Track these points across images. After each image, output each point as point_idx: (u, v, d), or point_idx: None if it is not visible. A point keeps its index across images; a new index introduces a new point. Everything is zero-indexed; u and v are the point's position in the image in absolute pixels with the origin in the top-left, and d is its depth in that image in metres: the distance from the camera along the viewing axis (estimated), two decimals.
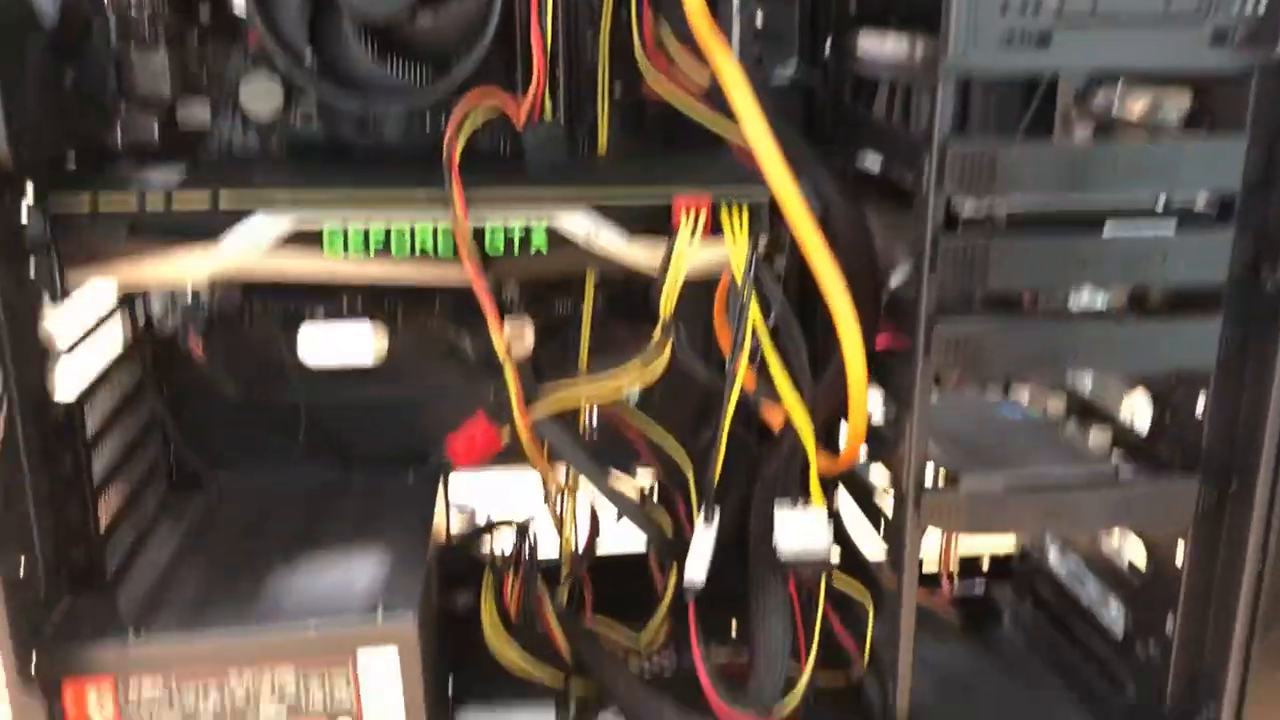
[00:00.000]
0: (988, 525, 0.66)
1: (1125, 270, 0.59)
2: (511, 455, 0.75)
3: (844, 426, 0.76)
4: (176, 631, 0.63)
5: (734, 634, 0.86)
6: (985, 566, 0.94)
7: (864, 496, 0.76)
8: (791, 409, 0.64)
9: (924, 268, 0.60)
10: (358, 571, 0.68)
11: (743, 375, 0.62)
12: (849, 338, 0.63)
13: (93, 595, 0.66)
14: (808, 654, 0.71)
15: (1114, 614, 0.78)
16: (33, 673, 0.60)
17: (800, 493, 0.70)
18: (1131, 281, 0.62)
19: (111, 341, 0.71)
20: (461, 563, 0.80)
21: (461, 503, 1.04)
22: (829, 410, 0.68)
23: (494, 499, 0.86)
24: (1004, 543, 0.94)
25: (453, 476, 0.86)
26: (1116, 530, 0.78)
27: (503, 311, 0.67)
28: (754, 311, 0.61)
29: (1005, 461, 0.69)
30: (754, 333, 0.62)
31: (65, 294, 0.62)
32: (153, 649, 0.62)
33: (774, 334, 0.64)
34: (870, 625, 0.74)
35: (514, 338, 0.69)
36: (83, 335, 0.66)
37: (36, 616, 0.62)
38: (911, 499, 0.65)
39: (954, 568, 0.88)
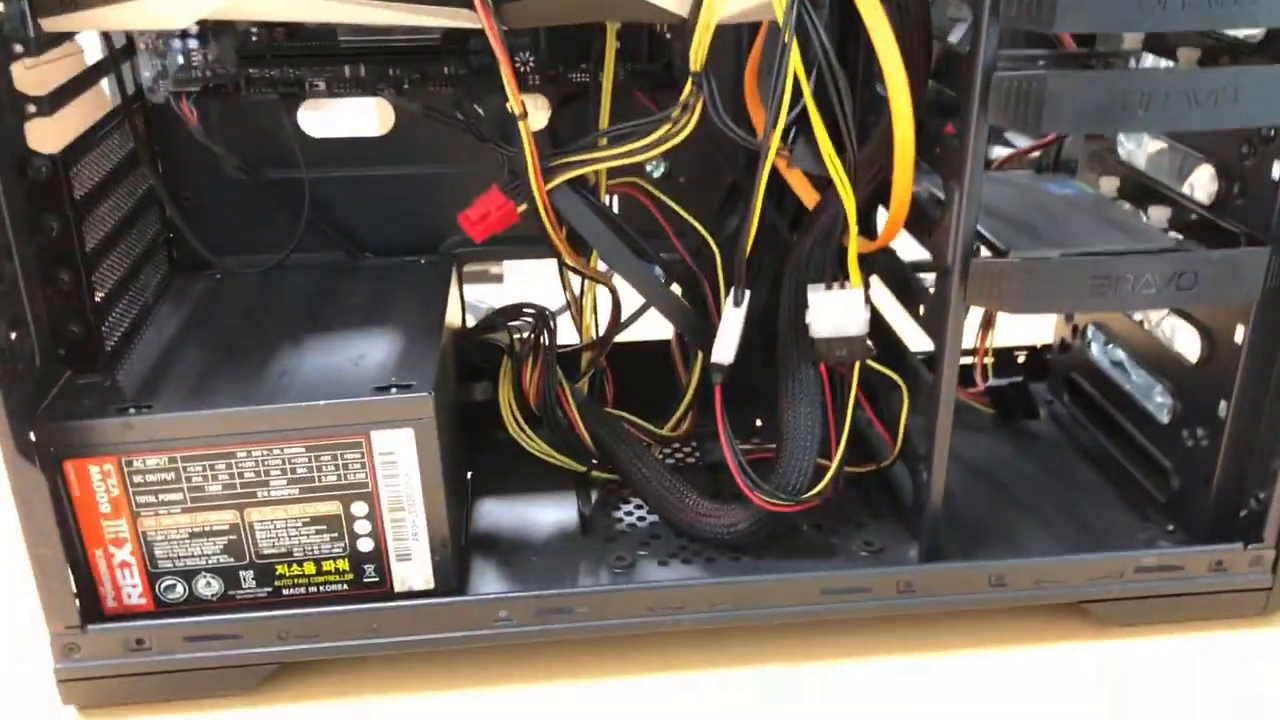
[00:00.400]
0: (1039, 301, 0.61)
1: (1213, 6, 0.53)
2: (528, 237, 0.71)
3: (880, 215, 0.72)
4: (180, 408, 0.60)
5: (757, 431, 0.83)
6: (1020, 360, 0.91)
7: (901, 283, 0.72)
8: (834, 172, 0.59)
9: (984, 3, 0.54)
10: (370, 351, 0.65)
11: (780, 132, 0.57)
12: (898, 95, 0.57)
13: (92, 372, 0.63)
14: (838, 440, 0.68)
15: (1160, 401, 0.74)
16: (31, 450, 0.58)
17: (835, 274, 0.65)
18: (1221, 21, 0.56)
19: (96, 101, 0.66)
20: (479, 351, 0.77)
21: (475, 300, 1.01)
22: (871, 178, 0.63)
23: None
24: (1040, 335, 0.90)
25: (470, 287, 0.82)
26: (1167, 318, 0.74)
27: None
28: (795, 59, 0.56)
29: (1057, 238, 0.65)
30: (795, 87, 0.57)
31: (40, 43, 0.57)
32: (156, 425, 0.60)
33: (816, 91, 0.59)
34: (904, 414, 0.70)
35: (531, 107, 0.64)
36: (63, 88, 0.60)
37: (32, 391, 0.59)
38: (958, 271, 0.60)
39: (988, 359, 0.84)
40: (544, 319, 0.75)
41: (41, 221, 0.59)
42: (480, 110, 0.70)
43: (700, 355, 0.75)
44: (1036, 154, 0.80)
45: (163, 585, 0.63)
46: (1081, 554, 0.68)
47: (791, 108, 0.58)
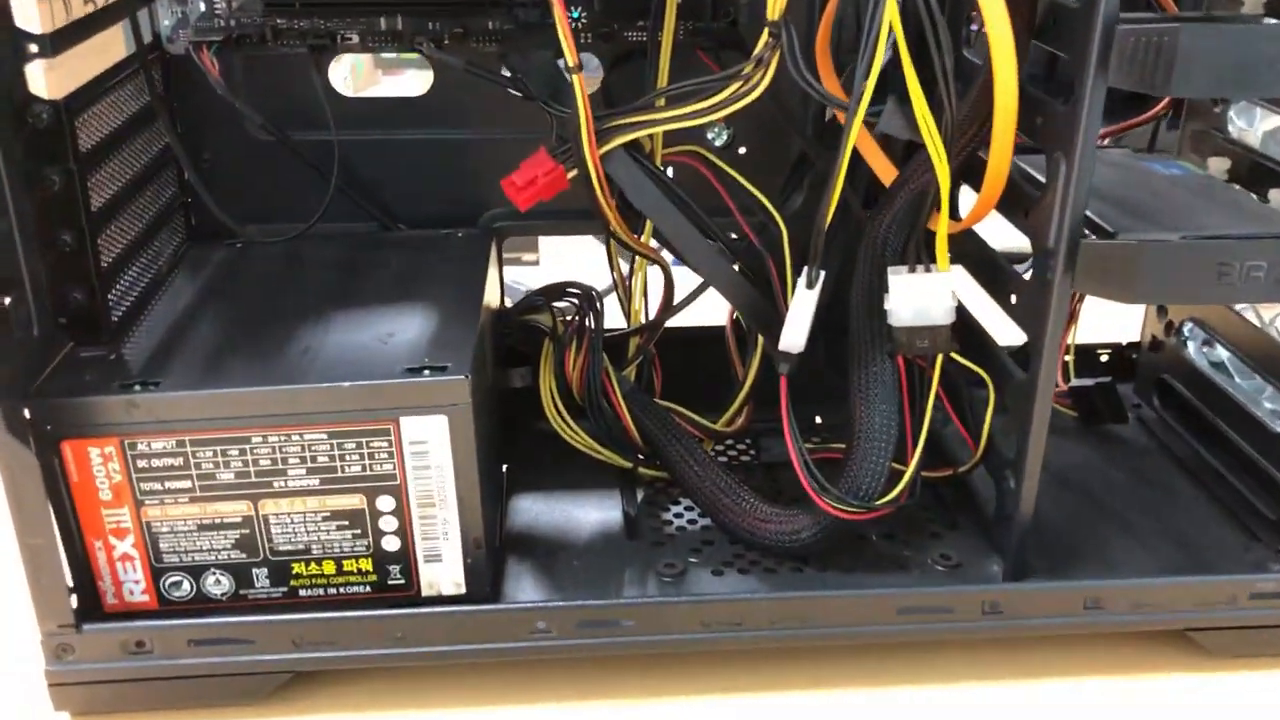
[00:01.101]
0: (1158, 290, 0.55)
1: None
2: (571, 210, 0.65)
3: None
4: (190, 386, 0.54)
5: (817, 429, 0.77)
6: (1103, 359, 0.84)
7: (988, 268, 0.65)
8: (928, 137, 0.52)
9: None
10: (401, 330, 0.59)
11: (872, 87, 0.51)
12: (1001, 49, 0.50)
13: (96, 345, 0.58)
14: (915, 441, 0.61)
15: (1271, 408, 0.67)
16: (25, 428, 0.52)
17: (919, 255, 0.59)
18: None
19: (109, 47, 0.60)
20: (518, 334, 0.71)
21: (512, 282, 0.94)
22: (962, 148, 0.56)
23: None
24: (1123, 332, 0.83)
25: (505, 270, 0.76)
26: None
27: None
28: (892, 6, 0.49)
29: (1169, 220, 0.58)
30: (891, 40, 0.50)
31: None
32: (163, 404, 0.54)
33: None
34: (989, 413, 0.64)
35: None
36: (69, 28, 0.54)
37: (28, 363, 0.53)
38: (1063, 254, 0.53)
39: (1068, 356, 0.77)
40: (590, 300, 0.69)
41: (41, 174, 0.53)
42: (529, 63, 0.64)
43: (760, 343, 0.69)
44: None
45: (168, 582, 0.57)
46: (1187, 576, 0.61)
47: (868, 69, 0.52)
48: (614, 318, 0.71)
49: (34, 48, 0.52)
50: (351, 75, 1.69)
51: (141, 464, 0.55)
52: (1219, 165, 0.68)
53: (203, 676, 0.57)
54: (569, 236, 0.75)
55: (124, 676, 0.57)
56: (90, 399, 0.53)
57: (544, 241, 1.14)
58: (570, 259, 1.05)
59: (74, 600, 0.56)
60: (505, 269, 0.76)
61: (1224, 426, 0.71)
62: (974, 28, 0.65)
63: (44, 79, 0.52)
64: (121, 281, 0.61)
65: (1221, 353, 0.73)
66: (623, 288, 0.72)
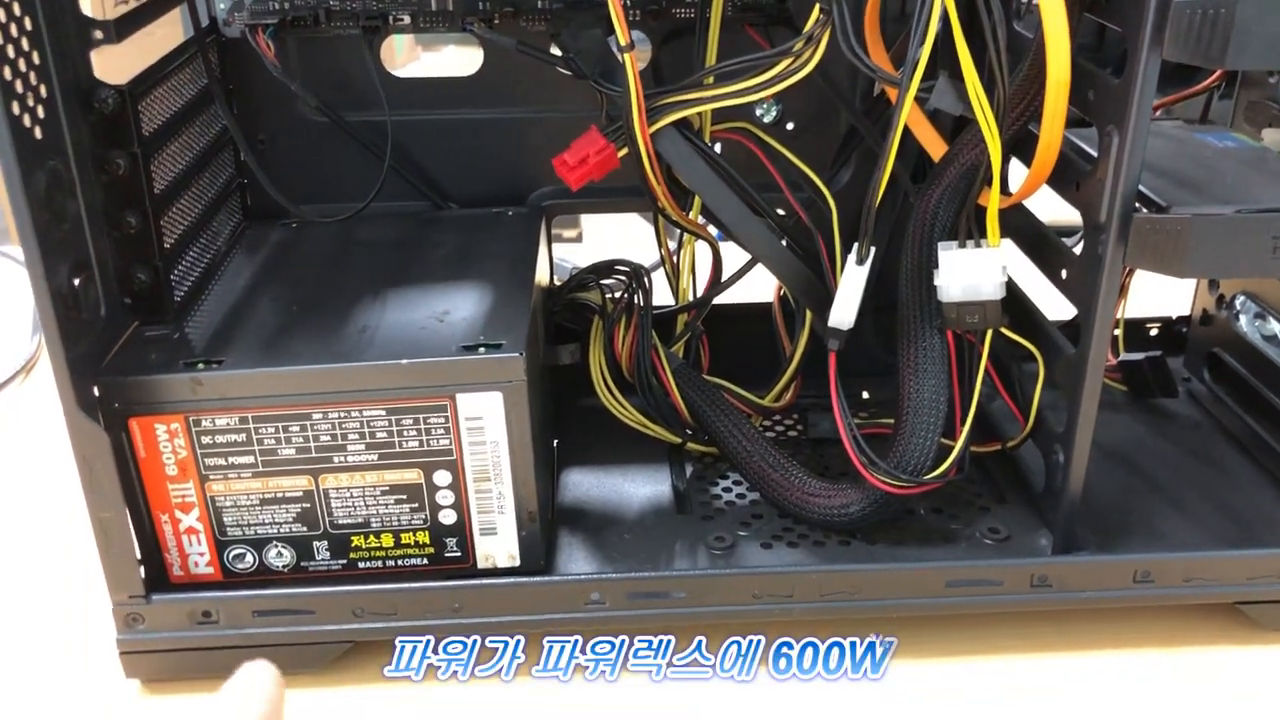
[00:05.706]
0: (1212, 264, 0.54)
1: None
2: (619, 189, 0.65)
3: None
4: (252, 364, 0.56)
5: (864, 404, 0.77)
6: (1152, 333, 0.84)
7: (1038, 243, 0.65)
8: (980, 112, 0.52)
9: None
10: (456, 308, 0.60)
11: (925, 63, 0.51)
12: (1054, 19, 0.50)
13: (160, 324, 0.59)
14: (964, 416, 0.61)
15: None
16: (94, 406, 0.54)
17: (970, 230, 0.59)
18: None
19: (169, 31, 0.61)
20: (568, 311, 0.71)
21: (559, 259, 0.95)
22: (1013, 123, 0.56)
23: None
24: (1176, 305, 0.83)
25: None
26: None
27: None
28: None
29: (1224, 193, 0.58)
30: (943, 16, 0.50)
31: None
32: (226, 382, 0.55)
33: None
34: (1039, 388, 0.64)
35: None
36: (132, 14, 0.56)
37: (96, 342, 0.55)
38: (1115, 229, 0.53)
39: (1117, 330, 0.77)
40: (639, 277, 0.69)
41: (108, 158, 0.55)
42: (579, 42, 0.64)
43: (808, 319, 0.69)
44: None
45: (231, 554, 0.59)
46: (1239, 549, 0.61)
47: (921, 42, 0.52)
48: (662, 294, 0.72)
49: (99, 34, 0.53)
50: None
51: (206, 440, 0.56)
52: (1274, 137, 0.68)
53: (266, 646, 0.58)
54: (615, 214, 0.76)
55: (191, 645, 0.59)
56: (156, 377, 0.55)
57: (586, 218, 1.15)
58: (613, 235, 1.05)
59: (142, 571, 0.58)
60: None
61: (1276, 400, 0.71)
62: (1024, 0, 0.65)
63: (110, 65, 0.53)
64: (183, 262, 0.62)
65: (1275, 326, 0.72)
66: (671, 264, 0.73)
